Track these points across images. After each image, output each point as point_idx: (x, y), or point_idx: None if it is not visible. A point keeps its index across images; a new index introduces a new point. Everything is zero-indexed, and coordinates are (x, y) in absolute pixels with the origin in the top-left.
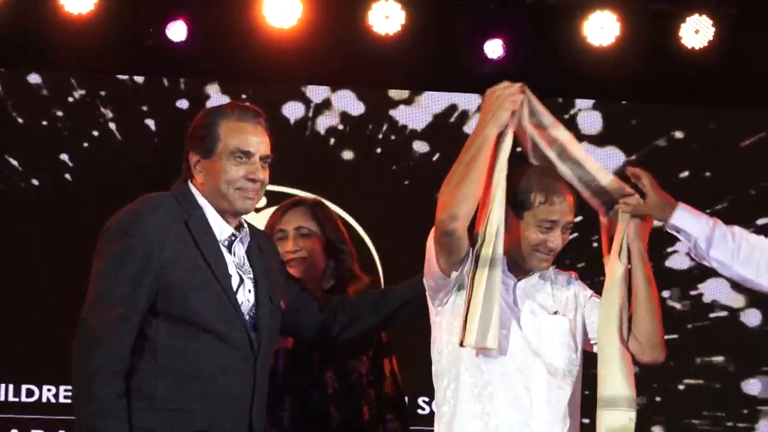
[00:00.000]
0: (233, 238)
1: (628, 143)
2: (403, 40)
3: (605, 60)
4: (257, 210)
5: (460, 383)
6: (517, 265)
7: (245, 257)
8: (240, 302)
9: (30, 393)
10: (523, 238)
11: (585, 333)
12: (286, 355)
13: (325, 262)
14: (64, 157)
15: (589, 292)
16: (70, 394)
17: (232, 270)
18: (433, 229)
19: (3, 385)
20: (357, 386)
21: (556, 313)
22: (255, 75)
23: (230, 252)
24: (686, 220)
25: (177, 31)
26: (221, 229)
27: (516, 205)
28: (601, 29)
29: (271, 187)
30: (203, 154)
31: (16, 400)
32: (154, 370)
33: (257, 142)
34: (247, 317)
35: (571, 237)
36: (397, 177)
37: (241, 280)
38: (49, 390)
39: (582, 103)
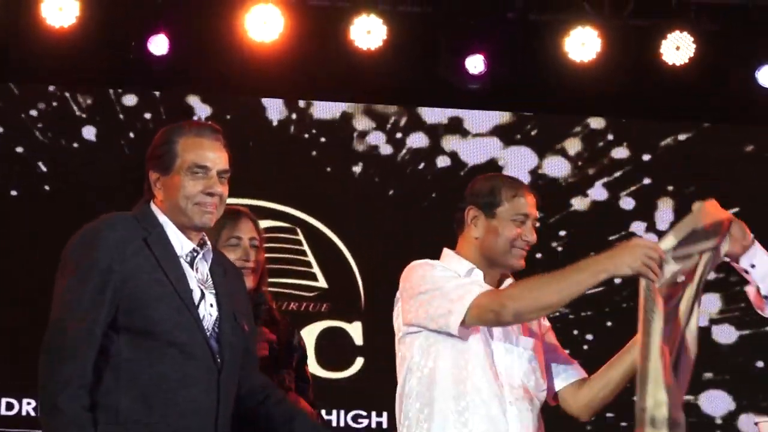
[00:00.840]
0: (195, 254)
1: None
2: (384, 55)
3: (586, 76)
4: None
5: (434, 408)
6: (490, 276)
7: (208, 274)
8: (201, 315)
9: (9, 406)
10: (499, 236)
11: (549, 365)
12: None
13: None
14: (42, 167)
15: (548, 323)
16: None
17: (193, 285)
18: (462, 288)
19: None
20: None
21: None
22: (236, 88)
23: (192, 268)
24: (760, 256)
25: (159, 44)
26: (182, 244)
27: (486, 205)
28: (582, 45)
29: (250, 202)
30: (162, 172)
31: None
32: (117, 384)
33: (214, 157)
34: (209, 331)
35: None
36: (380, 190)
37: (203, 295)
38: (28, 403)
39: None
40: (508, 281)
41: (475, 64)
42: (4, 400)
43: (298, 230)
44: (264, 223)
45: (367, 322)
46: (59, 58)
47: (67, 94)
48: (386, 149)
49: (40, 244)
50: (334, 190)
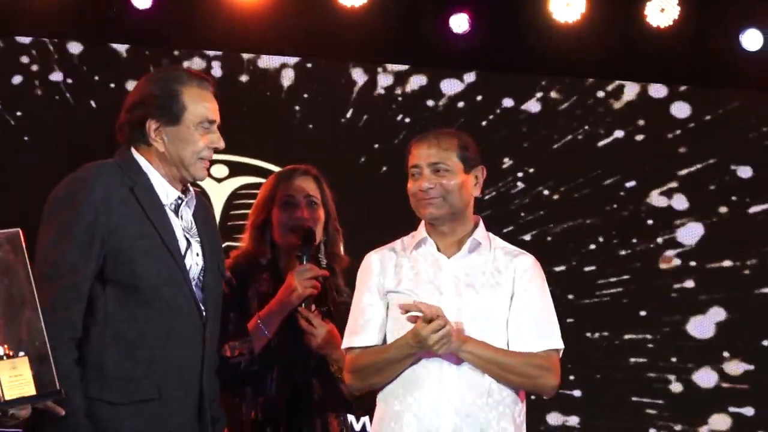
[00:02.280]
0: (179, 202)
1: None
2: (368, 13)
3: (570, 36)
4: (219, 180)
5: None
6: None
7: (192, 221)
8: (188, 266)
9: None
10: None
11: None
12: (280, 325)
13: (321, 235)
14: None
15: None
16: None
17: (179, 234)
18: None
19: None
20: None
21: None
22: (219, 44)
23: (177, 216)
24: None
25: None
26: (167, 193)
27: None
28: (567, 5)
29: (234, 158)
30: (166, 121)
31: None
32: (103, 340)
33: (217, 110)
34: (195, 282)
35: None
36: (365, 147)
37: (189, 244)
38: None
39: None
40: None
41: (459, 23)
42: None
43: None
44: (245, 180)
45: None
46: (41, 12)
47: (43, 48)
48: (366, 110)
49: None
50: (317, 147)
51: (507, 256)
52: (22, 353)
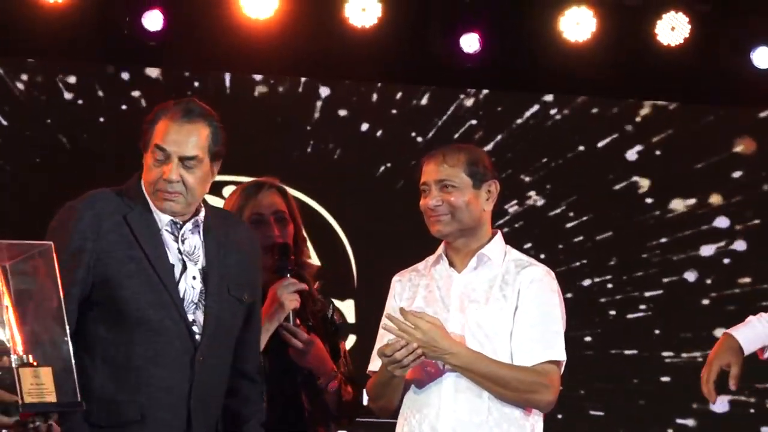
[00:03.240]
0: (178, 226)
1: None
2: (379, 33)
3: (581, 55)
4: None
5: None
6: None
7: (198, 246)
8: (182, 290)
9: None
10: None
11: None
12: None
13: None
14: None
15: None
16: None
17: (173, 259)
18: None
19: None
20: None
21: None
22: (230, 65)
23: (178, 240)
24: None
25: (153, 20)
26: (160, 219)
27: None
28: (577, 24)
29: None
30: (143, 149)
31: None
32: (92, 363)
33: (177, 140)
34: (192, 305)
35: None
36: (371, 168)
37: (184, 269)
38: None
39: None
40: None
41: (470, 42)
42: None
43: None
44: None
45: (359, 300)
46: (52, 33)
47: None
48: (379, 128)
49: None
50: (327, 168)
51: (516, 267)
52: (46, 364)
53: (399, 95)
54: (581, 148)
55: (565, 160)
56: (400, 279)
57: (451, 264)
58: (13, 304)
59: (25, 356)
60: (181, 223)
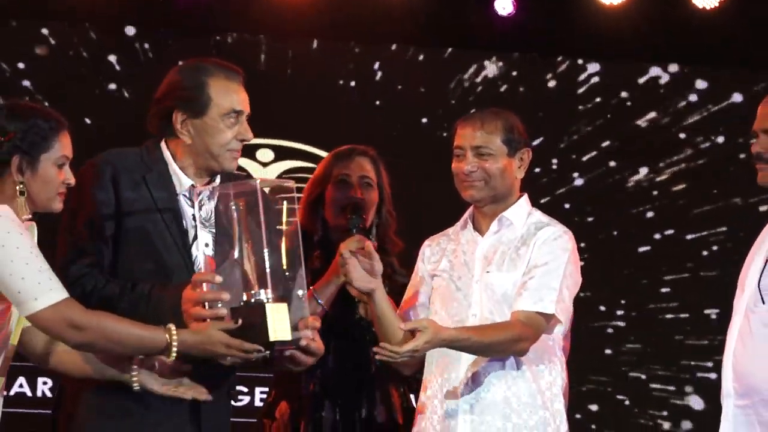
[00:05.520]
0: (196, 191)
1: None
2: None
3: (616, 19)
4: (264, 164)
5: None
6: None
7: (213, 212)
8: (194, 256)
9: None
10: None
11: None
12: (335, 298)
13: (373, 216)
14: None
15: None
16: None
17: (187, 225)
18: None
19: None
20: None
21: None
22: (265, 29)
23: (194, 206)
24: None
25: None
26: (181, 182)
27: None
28: None
29: (280, 142)
30: (192, 114)
31: None
32: None
33: (245, 101)
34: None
35: None
36: (409, 133)
37: (196, 236)
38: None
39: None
40: None
41: (504, 5)
42: None
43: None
44: (290, 164)
45: None
46: None
47: (90, 33)
48: (411, 90)
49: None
50: (360, 129)
51: (536, 229)
52: (282, 300)
53: (431, 57)
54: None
55: (594, 125)
56: (430, 244)
57: (476, 228)
58: (249, 240)
59: (263, 291)
60: (200, 189)
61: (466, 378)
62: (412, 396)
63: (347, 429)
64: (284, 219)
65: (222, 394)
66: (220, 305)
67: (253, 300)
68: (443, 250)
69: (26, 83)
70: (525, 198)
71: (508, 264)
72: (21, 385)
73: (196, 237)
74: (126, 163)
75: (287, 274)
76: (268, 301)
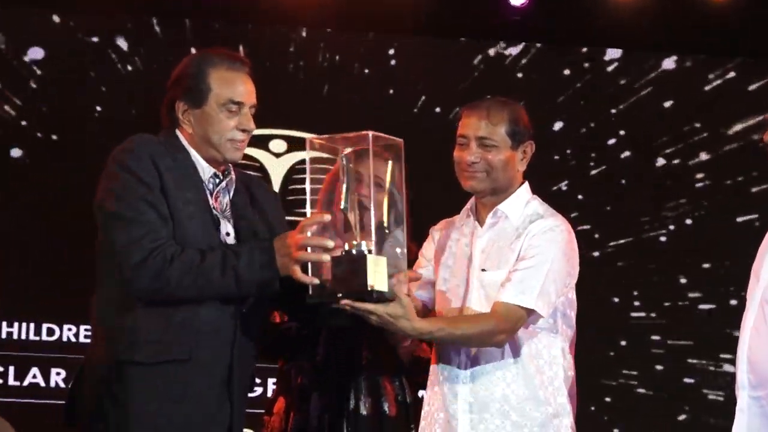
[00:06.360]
0: (217, 180)
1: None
2: None
3: (629, 9)
4: (277, 155)
5: None
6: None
7: (228, 204)
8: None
9: (50, 332)
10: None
11: None
12: None
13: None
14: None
15: None
16: (90, 333)
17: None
18: None
19: (24, 324)
20: None
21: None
22: (280, 19)
23: (212, 196)
24: None
25: None
26: (204, 170)
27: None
28: None
29: (293, 133)
30: (192, 104)
31: (37, 338)
32: (139, 303)
33: (247, 92)
34: None
35: None
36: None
37: (219, 222)
38: (69, 329)
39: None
40: None
41: None
42: (44, 326)
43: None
44: (304, 155)
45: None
46: None
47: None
48: (424, 81)
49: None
50: (370, 119)
51: (529, 222)
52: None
53: (444, 46)
54: (624, 102)
55: (608, 114)
56: (440, 229)
57: (477, 218)
58: (355, 192)
59: (365, 243)
60: (221, 176)
61: (465, 375)
62: (411, 389)
63: (333, 421)
64: (388, 177)
65: (250, 358)
66: (324, 252)
67: (354, 251)
68: (448, 236)
69: (39, 71)
70: (525, 187)
71: (502, 261)
72: (34, 376)
73: (218, 225)
74: (157, 149)
75: (387, 231)
76: (369, 253)
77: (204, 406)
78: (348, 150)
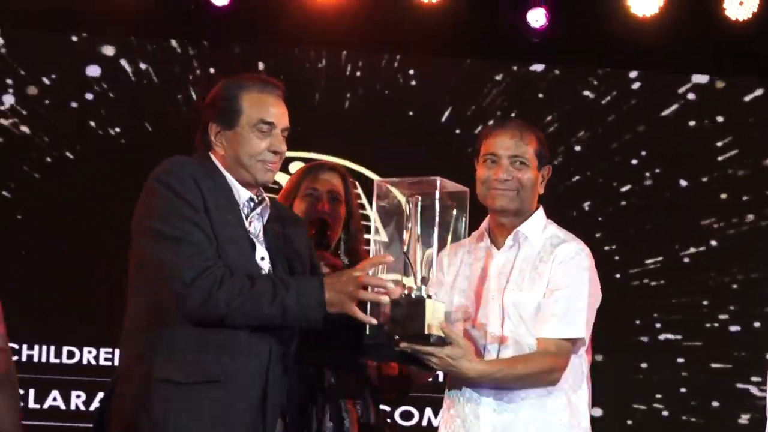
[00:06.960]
0: (252, 204)
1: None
2: (447, 8)
3: (648, 30)
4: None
5: None
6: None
7: (261, 230)
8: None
9: (71, 354)
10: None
11: None
12: None
13: (340, 231)
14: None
15: None
16: (110, 356)
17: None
18: None
19: (44, 347)
20: None
21: None
22: (297, 41)
23: (246, 221)
24: None
25: None
26: (239, 194)
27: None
28: None
29: (312, 155)
30: (224, 126)
31: (57, 361)
32: (175, 322)
33: (279, 114)
34: None
35: None
36: (436, 143)
37: (255, 246)
38: (89, 352)
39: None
40: None
41: (537, 17)
42: (65, 349)
43: (357, 184)
44: None
45: None
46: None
47: (124, 44)
48: (445, 103)
49: (99, 196)
50: (391, 141)
51: (552, 245)
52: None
53: (465, 67)
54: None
55: (630, 132)
56: (448, 253)
57: (493, 241)
58: (419, 238)
59: (424, 288)
60: (256, 201)
61: (488, 398)
62: (374, 408)
63: None
64: (451, 226)
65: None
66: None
67: (413, 294)
68: (461, 261)
69: (89, 95)
70: (541, 211)
71: (528, 282)
72: (54, 399)
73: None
74: (198, 170)
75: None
76: (429, 298)
77: (237, 428)
78: (415, 195)
